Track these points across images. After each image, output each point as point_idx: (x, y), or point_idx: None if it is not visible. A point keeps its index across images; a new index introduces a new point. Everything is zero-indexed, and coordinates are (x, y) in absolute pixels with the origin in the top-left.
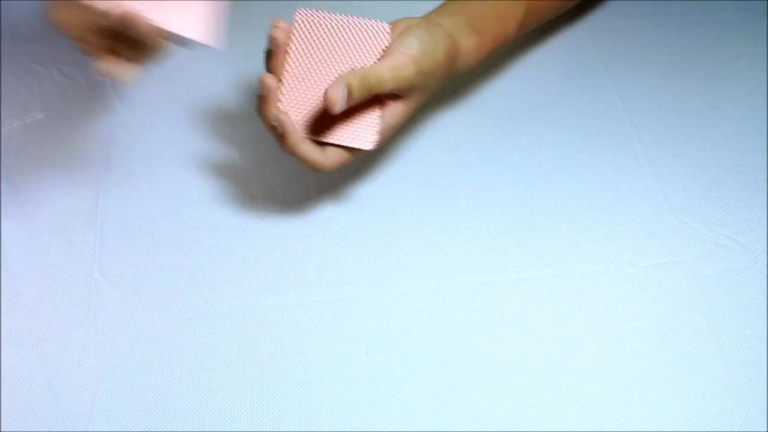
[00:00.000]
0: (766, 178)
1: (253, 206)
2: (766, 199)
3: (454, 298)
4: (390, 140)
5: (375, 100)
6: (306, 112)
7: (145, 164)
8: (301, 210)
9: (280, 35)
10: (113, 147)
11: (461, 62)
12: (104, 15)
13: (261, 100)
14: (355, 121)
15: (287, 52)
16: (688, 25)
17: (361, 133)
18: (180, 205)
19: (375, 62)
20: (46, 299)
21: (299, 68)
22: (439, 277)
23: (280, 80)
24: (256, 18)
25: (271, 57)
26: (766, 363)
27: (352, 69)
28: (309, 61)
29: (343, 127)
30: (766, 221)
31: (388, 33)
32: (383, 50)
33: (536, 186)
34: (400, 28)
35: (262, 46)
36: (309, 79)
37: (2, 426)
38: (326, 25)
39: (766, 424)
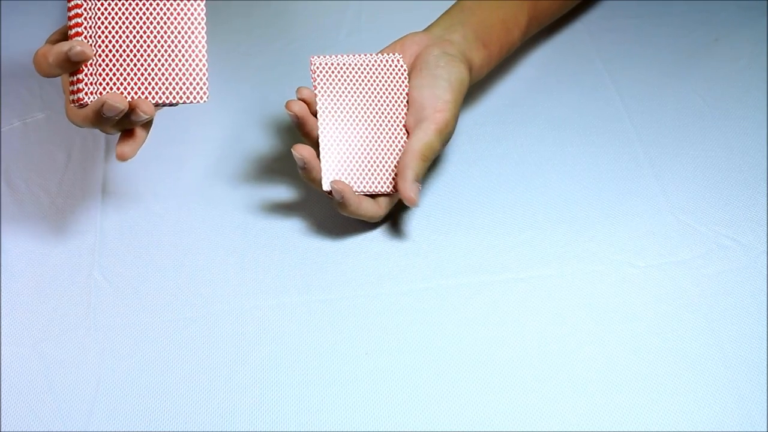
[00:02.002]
0: (766, 178)
1: (253, 206)
2: (766, 199)
3: (454, 298)
4: None
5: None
6: (349, 165)
7: (145, 164)
8: (300, 210)
9: (298, 108)
10: (113, 147)
11: (474, 77)
12: (93, 110)
13: (304, 171)
14: (395, 165)
15: (317, 102)
16: (688, 25)
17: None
18: (180, 205)
19: (422, 128)
20: (46, 299)
21: (332, 123)
22: (439, 277)
23: (316, 140)
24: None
25: (303, 124)
26: (766, 363)
27: (408, 151)
28: (339, 113)
29: (387, 174)
30: (766, 221)
31: (403, 66)
32: (405, 84)
33: (536, 186)
34: (411, 51)
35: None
36: (345, 132)
37: (2, 426)
38: (343, 69)
39: (766, 424)
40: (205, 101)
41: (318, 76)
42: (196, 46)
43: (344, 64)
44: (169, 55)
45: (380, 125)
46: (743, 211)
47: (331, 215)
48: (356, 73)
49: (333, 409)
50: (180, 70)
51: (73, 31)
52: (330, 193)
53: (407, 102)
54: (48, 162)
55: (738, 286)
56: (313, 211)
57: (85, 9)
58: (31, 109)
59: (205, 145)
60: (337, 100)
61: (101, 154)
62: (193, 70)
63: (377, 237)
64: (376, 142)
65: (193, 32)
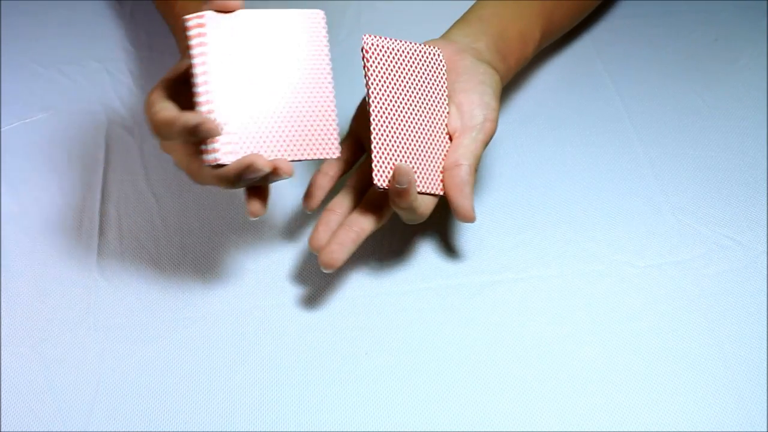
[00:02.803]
0: (766, 178)
1: None
2: (766, 199)
3: (454, 298)
4: None
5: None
6: (401, 161)
7: (145, 164)
8: (300, 210)
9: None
10: (113, 147)
11: None
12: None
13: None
14: (441, 166)
15: (367, 86)
16: (688, 25)
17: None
18: (180, 205)
19: (473, 139)
20: (46, 299)
21: (384, 115)
22: (439, 277)
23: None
24: None
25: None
26: (766, 363)
27: (463, 165)
28: (390, 104)
29: (435, 175)
30: (766, 221)
31: (443, 62)
32: (444, 81)
33: (536, 186)
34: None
35: None
36: (395, 126)
37: (2, 426)
38: (393, 55)
39: (766, 424)
40: (338, 156)
41: (371, 57)
42: (324, 94)
43: (394, 50)
44: (298, 107)
45: (426, 123)
46: (743, 211)
47: None
48: (405, 62)
49: (333, 409)
50: (310, 122)
51: (201, 80)
52: (395, 181)
53: (448, 102)
54: (48, 162)
55: (738, 286)
56: (314, 211)
57: (208, 58)
58: (31, 109)
59: None
60: (388, 90)
61: (101, 155)
62: (324, 121)
63: (377, 237)
64: (423, 140)
65: (319, 78)
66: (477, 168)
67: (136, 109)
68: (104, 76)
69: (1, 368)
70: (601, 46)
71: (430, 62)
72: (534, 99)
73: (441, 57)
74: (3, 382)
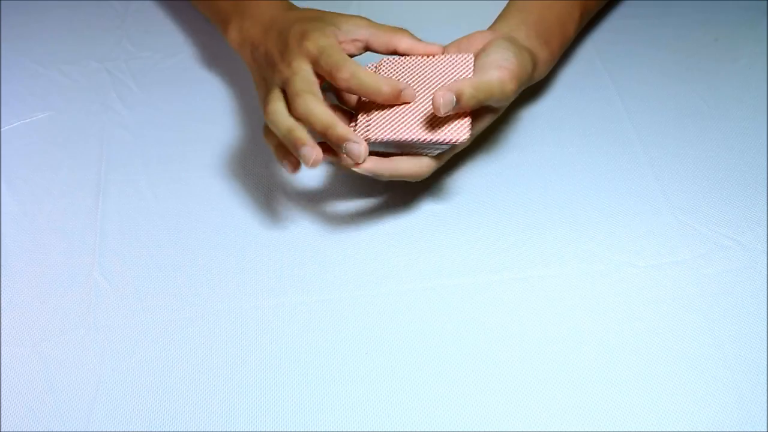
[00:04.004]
0: (766, 178)
1: (253, 206)
2: (766, 199)
3: (454, 298)
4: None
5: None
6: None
7: (145, 164)
8: (300, 210)
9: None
10: (113, 147)
11: (537, 75)
12: None
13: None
14: (446, 121)
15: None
16: (688, 25)
17: (454, 129)
18: (180, 205)
19: (482, 74)
20: (46, 299)
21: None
22: (439, 276)
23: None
24: None
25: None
26: (766, 363)
27: (466, 78)
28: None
29: (437, 127)
30: (766, 221)
31: (471, 66)
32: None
33: (536, 186)
34: (478, 43)
35: None
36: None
37: (2, 426)
38: (410, 63)
39: (766, 424)
40: (465, 142)
41: (384, 65)
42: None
43: (412, 61)
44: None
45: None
46: (743, 211)
47: (332, 215)
48: (424, 68)
49: (333, 409)
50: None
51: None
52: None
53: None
54: (48, 162)
55: (738, 286)
56: (314, 211)
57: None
58: (31, 109)
59: (205, 145)
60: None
61: (101, 154)
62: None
63: (377, 237)
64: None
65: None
66: (482, 92)
67: (136, 109)
68: (104, 76)
69: (1, 368)
70: (601, 46)
71: (456, 65)
72: (534, 99)
73: (470, 62)
74: (3, 382)
